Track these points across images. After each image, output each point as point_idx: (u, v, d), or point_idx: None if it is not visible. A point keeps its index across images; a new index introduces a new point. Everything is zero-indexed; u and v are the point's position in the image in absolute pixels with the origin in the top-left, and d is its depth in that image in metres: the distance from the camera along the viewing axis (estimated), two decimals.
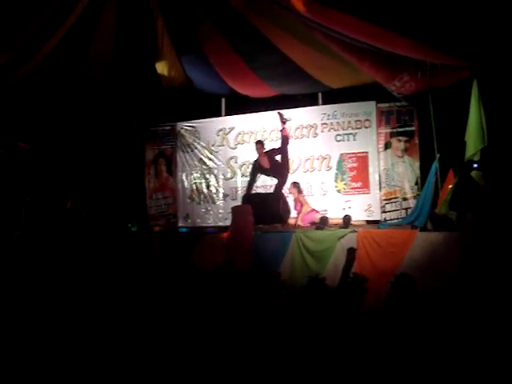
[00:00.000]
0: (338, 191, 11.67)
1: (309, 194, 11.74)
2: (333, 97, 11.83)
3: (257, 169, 11.13)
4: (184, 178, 13.30)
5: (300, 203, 10.78)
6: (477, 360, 5.59)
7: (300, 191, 11.00)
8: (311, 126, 12.09)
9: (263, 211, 10.07)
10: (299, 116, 12.24)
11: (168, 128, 13.49)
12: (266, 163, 10.94)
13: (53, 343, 6.63)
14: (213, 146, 13.03)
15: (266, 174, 11.25)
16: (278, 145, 11.51)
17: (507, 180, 7.64)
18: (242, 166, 12.69)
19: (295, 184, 11.05)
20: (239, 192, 12.57)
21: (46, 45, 10.06)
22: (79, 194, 12.66)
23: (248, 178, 11.66)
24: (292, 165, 11.96)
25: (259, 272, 8.68)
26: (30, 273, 9.58)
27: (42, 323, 7.50)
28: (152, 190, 13.57)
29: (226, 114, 13.09)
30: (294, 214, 10.91)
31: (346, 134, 11.72)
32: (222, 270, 8.90)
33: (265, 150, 11.07)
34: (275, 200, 10.47)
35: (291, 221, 10.66)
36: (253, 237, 9.36)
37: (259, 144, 11.12)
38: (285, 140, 11.01)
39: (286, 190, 11.67)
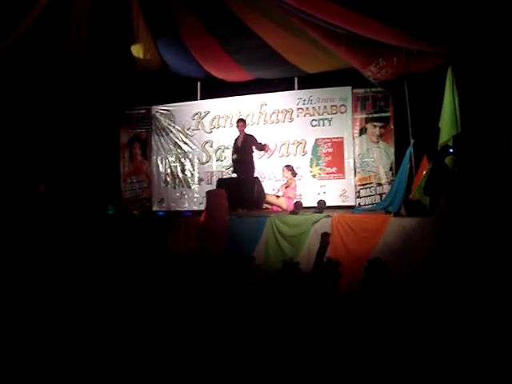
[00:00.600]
0: (313, 176, 11.70)
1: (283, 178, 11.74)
2: (309, 82, 11.82)
3: (234, 146, 11.13)
4: (159, 161, 13.24)
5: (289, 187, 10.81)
6: (449, 343, 5.64)
7: (294, 174, 10.97)
8: (287, 111, 12.09)
9: (238, 196, 10.07)
10: (275, 101, 12.24)
11: (143, 111, 13.40)
12: (239, 142, 10.97)
13: (24, 327, 6.56)
14: (188, 129, 12.96)
15: (235, 153, 11.17)
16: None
17: (479, 166, 7.71)
18: (217, 150, 12.65)
19: (288, 166, 11.04)
20: (214, 176, 12.54)
21: (18, 27, 9.87)
22: (52, 176, 12.52)
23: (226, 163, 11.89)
24: None
25: (233, 256, 8.70)
26: (3, 256, 9.48)
27: (14, 305, 7.44)
28: (126, 174, 13.50)
29: (201, 98, 13.02)
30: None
31: (321, 119, 11.74)
32: (196, 255, 8.90)
33: (245, 131, 11.07)
34: (250, 184, 10.45)
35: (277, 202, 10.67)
36: (227, 221, 9.35)
37: (241, 122, 11.11)
38: (262, 148, 11.07)
39: (261, 174, 11.75)
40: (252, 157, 11.02)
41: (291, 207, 10.17)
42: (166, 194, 13.13)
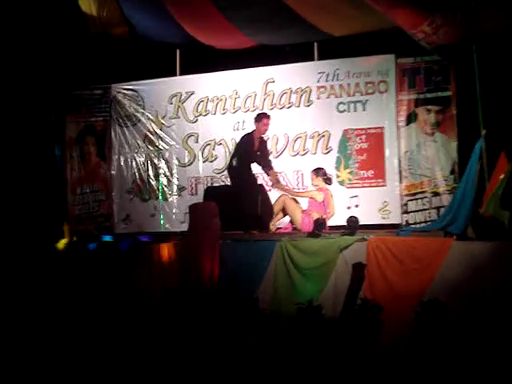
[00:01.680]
0: (341, 183, 11.61)
1: (299, 186, 11.77)
2: (334, 49, 11.73)
3: (249, 145, 10.86)
4: (122, 163, 13.20)
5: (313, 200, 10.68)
6: None
7: (327, 181, 10.86)
8: (303, 91, 11.99)
9: (234, 211, 10.07)
10: (286, 76, 12.18)
11: (99, 92, 13.36)
12: (257, 146, 10.90)
13: None
14: (163, 118, 12.94)
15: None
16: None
17: None
18: (204, 146, 12.60)
19: (319, 171, 10.90)
20: (201, 184, 12.52)
21: None
22: None
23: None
24: (276, 146, 12.01)
25: (228, 297, 8.68)
26: None
27: None
28: (76, 182, 13.48)
29: (181, 74, 13.01)
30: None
31: (352, 102, 11.64)
32: (175, 294, 8.93)
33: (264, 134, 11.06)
34: (251, 195, 10.43)
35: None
36: (219, 247, 9.34)
37: (266, 118, 10.92)
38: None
39: (267, 181, 11.67)
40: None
41: (309, 226, 10.07)
42: (132, 210, 13.10)
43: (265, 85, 12.24)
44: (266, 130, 10.94)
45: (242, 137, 11.08)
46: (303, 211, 10.59)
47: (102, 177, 13.36)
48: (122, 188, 13.19)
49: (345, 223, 9.87)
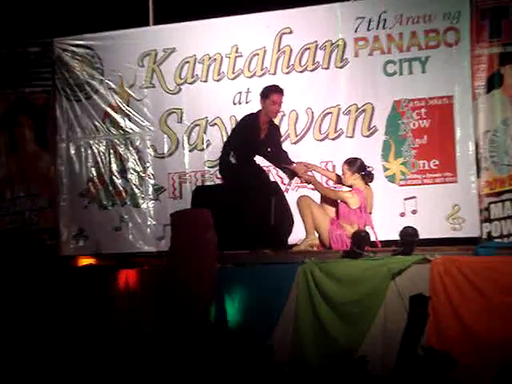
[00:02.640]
0: (391, 179, 11.62)
1: (328, 185, 11.52)
2: None
3: (253, 132, 10.67)
4: (72, 154, 13.21)
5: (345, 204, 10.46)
6: None
7: (367, 178, 10.42)
8: (333, 45, 11.96)
9: (237, 222, 10.03)
10: (308, 25, 12.13)
11: (36, 50, 13.34)
12: (263, 133, 10.76)
13: None
14: (131, 87, 12.97)
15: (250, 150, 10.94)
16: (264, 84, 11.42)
17: None
18: (191, 128, 12.64)
19: (353, 162, 10.44)
20: (187, 183, 12.59)
21: None
22: None
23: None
24: (295, 126, 12.04)
25: (230, 345, 8.59)
26: None
27: None
28: (3, 182, 13.51)
29: (156, 22, 13.00)
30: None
31: (406, 61, 11.60)
32: (151, 342, 8.96)
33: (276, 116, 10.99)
34: (261, 199, 10.32)
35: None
36: (216, 275, 9.23)
37: (278, 94, 10.59)
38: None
39: (283, 177, 11.61)
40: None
41: (339, 243, 10.06)
42: (88, 221, 13.17)
43: (278, 37, 12.22)
44: (277, 110, 10.71)
45: (242, 120, 10.96)
46: (331, 220, 10.41)
47: (43, 174, 13.39)
48: (72, 190, 13.22)
49: (397, 237, 9.63)
